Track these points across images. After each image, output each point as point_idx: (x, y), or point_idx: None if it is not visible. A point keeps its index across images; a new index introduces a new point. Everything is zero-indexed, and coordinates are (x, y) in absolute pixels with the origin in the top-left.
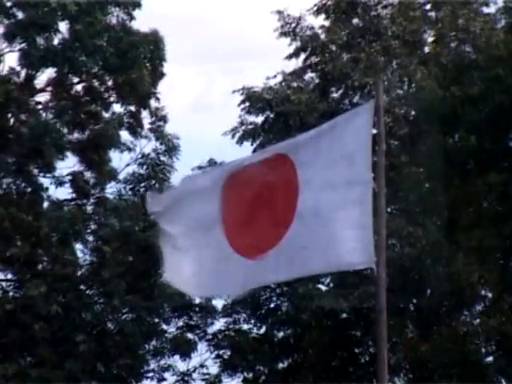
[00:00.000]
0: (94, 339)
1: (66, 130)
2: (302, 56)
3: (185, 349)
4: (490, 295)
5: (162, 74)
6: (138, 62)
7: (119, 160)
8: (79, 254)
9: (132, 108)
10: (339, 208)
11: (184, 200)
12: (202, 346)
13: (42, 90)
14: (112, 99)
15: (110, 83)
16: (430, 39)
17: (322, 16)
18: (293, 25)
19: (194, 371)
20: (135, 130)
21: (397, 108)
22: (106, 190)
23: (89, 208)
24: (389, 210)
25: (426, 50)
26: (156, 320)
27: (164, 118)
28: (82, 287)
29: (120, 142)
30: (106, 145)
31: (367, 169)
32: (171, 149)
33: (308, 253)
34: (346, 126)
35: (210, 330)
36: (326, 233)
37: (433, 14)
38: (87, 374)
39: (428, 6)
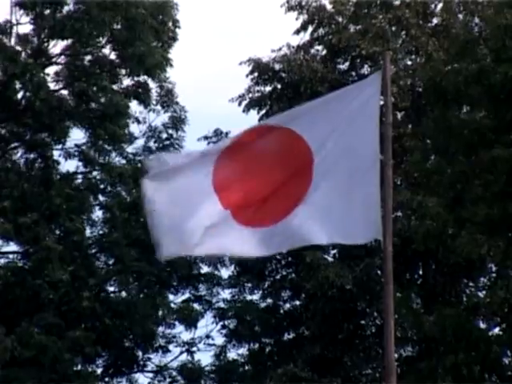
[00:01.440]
0: (99, 301)
1: (73, 103)
2: (310, 30)
3: (190, 319)
4: (495, 269)
5: (174, 39)
6: (145, 35)
7: (128, 131)
8: (88, 225)
9: (140, 79)
10: (347, 179)
11: (177, 174)
12: (207, 317)
13: (53, 63)
14: (120, 72)
15: (117, 55)
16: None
17: None
18: None
19: (200, 342)
20: (143, 100)
21: (403, 79)
22: (113, 161)
23: (97, 178)
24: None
25: (436, 21)
26: (162, 290)
27: (171, 92)
28: (90, 254)
29: (129, 114)
30: (114, 116)
31: (375, 140)
32: (178, 120)
33: (318, 223)
34: (355, 96)
35: (216, 300)
36: (335, 204)
37: None
38: (90, 343)
39: None
